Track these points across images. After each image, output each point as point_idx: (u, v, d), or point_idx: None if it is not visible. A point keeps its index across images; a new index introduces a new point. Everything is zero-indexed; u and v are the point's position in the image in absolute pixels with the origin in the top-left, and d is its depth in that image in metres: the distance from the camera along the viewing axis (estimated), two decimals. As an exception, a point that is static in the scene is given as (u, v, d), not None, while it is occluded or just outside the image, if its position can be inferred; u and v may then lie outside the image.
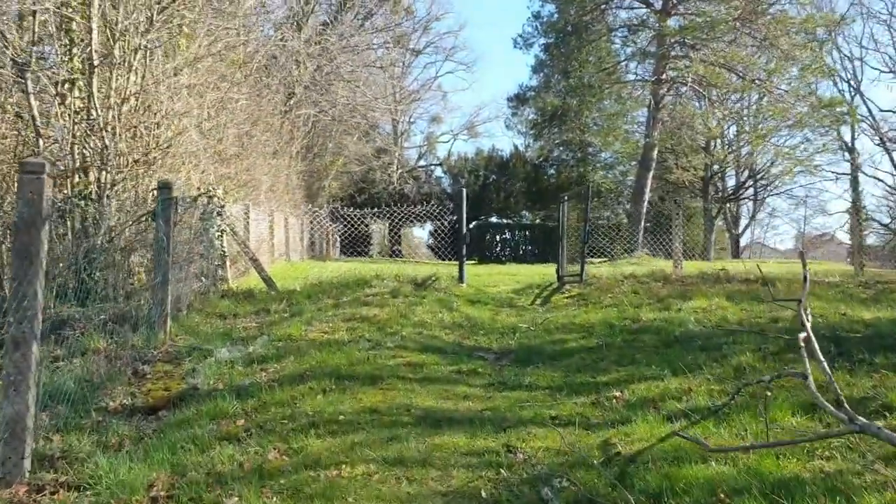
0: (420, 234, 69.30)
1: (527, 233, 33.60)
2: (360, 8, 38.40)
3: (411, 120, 59.80)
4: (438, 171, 57.35)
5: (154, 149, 9.81)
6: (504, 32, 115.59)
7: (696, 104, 38.43)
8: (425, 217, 56.54)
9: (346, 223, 17.88)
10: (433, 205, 47.79)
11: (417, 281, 11.78)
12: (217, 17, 13.85)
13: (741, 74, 29.09)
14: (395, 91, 51.64)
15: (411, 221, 60.83)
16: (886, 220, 54.07)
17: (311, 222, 23.34)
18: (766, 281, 12.33)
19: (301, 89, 23.19)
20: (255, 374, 6.42)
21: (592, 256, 34.77)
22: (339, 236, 32.11)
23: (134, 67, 9.72)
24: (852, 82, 47.85)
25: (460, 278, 12.10)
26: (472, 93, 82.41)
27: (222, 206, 11.13)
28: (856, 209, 13.83)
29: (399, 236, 55.33)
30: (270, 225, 17.64)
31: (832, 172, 48.97)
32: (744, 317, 8.87)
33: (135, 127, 9.74)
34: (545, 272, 18.29)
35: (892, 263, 50.88)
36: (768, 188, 53.15)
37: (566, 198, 13.06)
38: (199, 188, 11.27)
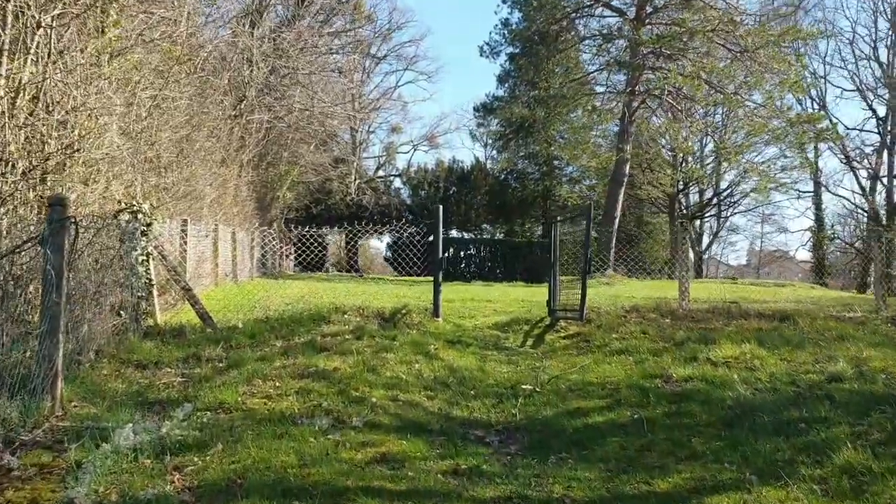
0: (377, 244, 67.29)
1: (492, 249, 31.90)
2: (318, 11, 36.48)
3: (371, 129, 57.88)
4: (398, 183, 55.60)
5: (56, 153, 7.75)
6: (468, 42, 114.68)
7: (663, 119, 37.32)
8: (383, 228, 54.61)
9: (300, 241, 15.92)
10: (393, 217, 45.97)
11: (385, 316, 9.89)
12: (154, 4, 11.83)
13: (718, 88, 27.94)
14: (354, 99, 49.80)
15: (369, 233, 58.95)
16: (848, 239, 53.93)
17: (263, 239, 21.27)
18: (786, 316, 10.78)
19: (253, 92, 21.12)
20: (166, 476, 4.47)
21: (562, 275, 33.36)
22: (294, 249, 30.06)
23: (32, 50, 7.68)
24: (817, 99, 47.33)
25: (435, 312, 10.23)
26: (432, 103, 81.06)
27: (149, 225, 9.10)
28: (874, 231, 12.34)
29: (356, 248, 53.49)
30: (214, 242, 15.56)
31: (796, 190, 48.47)
32: (791, 370, 7.21)
33: (32, 124, 7.69)
34: (522, 297, 16.54)
35: (852, 280, 50.37)
36: (735, 205, 52.49)
37: (559, 219, 11.24)
38: (120, 202, 9.24)
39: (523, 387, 6.80)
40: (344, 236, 56.60)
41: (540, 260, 30.82)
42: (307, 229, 13.77)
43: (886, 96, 47.28)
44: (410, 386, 6.63)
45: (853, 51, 47.47)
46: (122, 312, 8.73)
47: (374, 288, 18.21)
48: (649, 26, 29.32)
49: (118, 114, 9.81)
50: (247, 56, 19.83)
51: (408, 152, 57.68)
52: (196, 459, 4.71)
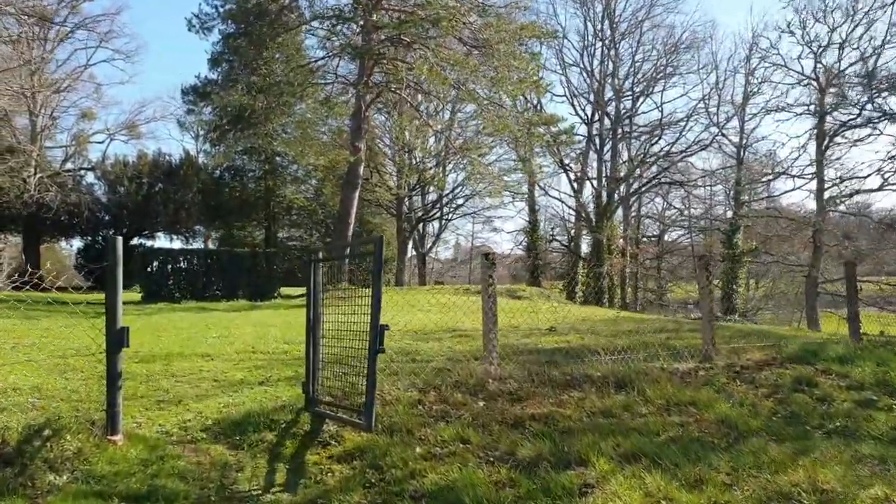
0: (68, 247, 57.86)
1: (208, 260, 26.81)
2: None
3: (55, 114, 48.77)
4: (91, 177, 47.52)
5: None
6: (175, 22, 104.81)
7: (396, 115, 34.91)
8: (73, 231, 46.12)
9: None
10: (85, 218, 38.43)
11: (8, 450, 5.31)
12: None
13: (456, 85, 25.80)
14: (32, 76, 41.21)
15: (55, 236, 49.74)
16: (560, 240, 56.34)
17: None
18: (622, 382, 8.03)
19: None
20: None
21: (290, 285, 29.27)
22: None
23: None
24: (534, 101, 48.23)
25: (112, 425, 5.84)
26: (133, 87, 71.77)
27: None
28: (701, 259, 10.21)
29: (38, 255, 44.57)
30: None
31: (516, 192, 49.14)
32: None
33: None
34: (252, 340, 12.48)
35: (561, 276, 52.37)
36: (458, 207, 52.12)
37: (321, 256, 7.22)
38: None
39: None
40: (22, 239, 47.13)
41: (265, 274, 26.51)
42: None
43: (593, 101, 49.76)
44: None
45: (562, 57, 49.15)
46: None
47: (33, 329, 12.74)
48: (384, 11, 26.39)
49: None
50: None
51: (103, 142, 49.45)
52: None
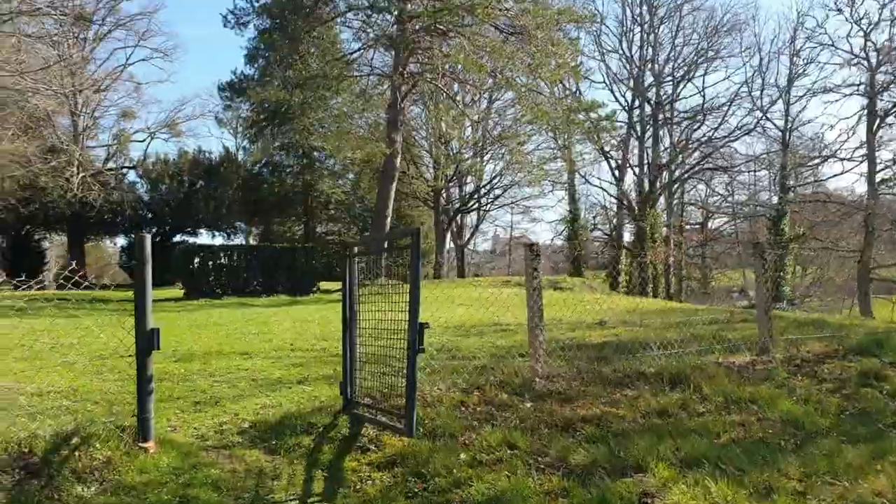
0: (112, 246, 58.65)
1: (248, 256, 26.82)
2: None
3: (96, 114, 49.38)
4: (132, 176, 48.01)
5: None
6: (211, 20, 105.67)
7: (432, 105, 34.55)
8: (116, 230, 46.60)
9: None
10: (128, 216, 38.77)
11: (34, 459, 5.10)
12: None
13: (493, 72, 25.31)
14: (72, 76, 41.71)
15: (99, 235, 50.47)
16: (602, 228, 55.43)
17: None
18: (677, 379, 7.59)
19: None
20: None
21: (329, 280, 29.15)
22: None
23: None
24: (572, 88, 47.34)
25: (143, 431, 5.62)
26: (172, 86, 72.24)
27: None
28: (758, 246, 9.68)
29: (83, 253, 45.31)
30: None
31: (554, 182, 48.38)
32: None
33: None
34: (292, 336, 12.33)
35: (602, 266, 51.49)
36: (497, 198, 51.46)
37: (357, 251, 6.94)
38: None
39: None
40: (66, 239, 47.96)
41: (304, 269, 26.47)
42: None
43: (633, 87, 48.71)
44: None
45: (601, 43, 48.19)
46: None
47: (73, 329, 12.66)
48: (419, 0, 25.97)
49: None
50: None
51: (144, 141, 49.95)
52: None
